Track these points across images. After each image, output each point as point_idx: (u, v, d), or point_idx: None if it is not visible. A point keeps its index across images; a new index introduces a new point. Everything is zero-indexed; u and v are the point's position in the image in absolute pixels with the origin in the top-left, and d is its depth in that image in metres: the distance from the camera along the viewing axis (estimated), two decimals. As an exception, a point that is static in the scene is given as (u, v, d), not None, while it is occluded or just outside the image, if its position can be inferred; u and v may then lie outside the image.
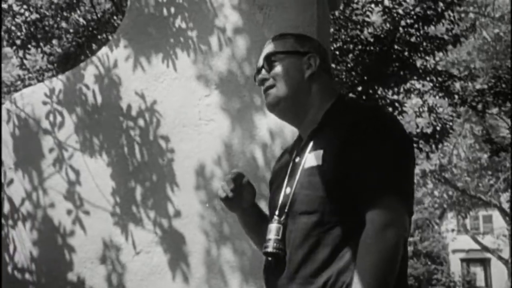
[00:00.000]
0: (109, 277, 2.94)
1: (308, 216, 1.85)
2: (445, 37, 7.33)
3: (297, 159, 1.98)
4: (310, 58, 2.02)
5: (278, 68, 2.03)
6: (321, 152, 1.89)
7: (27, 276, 3.07)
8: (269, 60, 2.05)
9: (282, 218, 1.92)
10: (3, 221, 3.17)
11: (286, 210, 1.93)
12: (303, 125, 2.04)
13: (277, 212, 1.94)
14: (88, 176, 3.06)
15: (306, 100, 2.01)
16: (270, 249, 1.88)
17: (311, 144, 1.95)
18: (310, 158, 1.91)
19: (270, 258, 1.92)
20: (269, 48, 2.09)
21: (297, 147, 2.04)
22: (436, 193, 21.97)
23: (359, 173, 1.80)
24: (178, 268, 2.82)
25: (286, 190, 1.95)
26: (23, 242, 3.11)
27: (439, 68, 8.21)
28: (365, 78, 6.61)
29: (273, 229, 1.92)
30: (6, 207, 3.18)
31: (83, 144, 3.09)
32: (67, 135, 3.14)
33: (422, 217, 33.54)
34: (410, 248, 33.06)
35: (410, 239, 33.54)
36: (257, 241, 2.15)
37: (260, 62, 2.06)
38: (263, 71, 2.05)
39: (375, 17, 7.73)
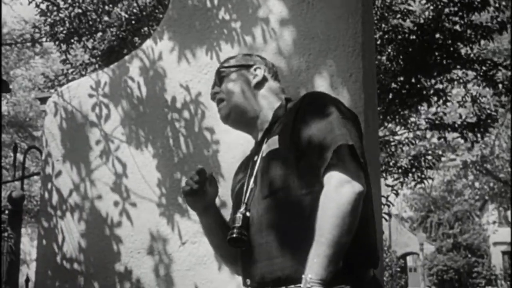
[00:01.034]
0: (156, 267, 2.97)
1: (274, 196, 1.93)
2: (490, 24, 7.15)
3: (255, 158, 2.08)
4: (256, 69, 2.18)
5: (227, 82, 2.18)
6: (276, 137, 1.99)
7: (75, 265, 3.13)
8: (220, 76, 2.20)
9: (244, 209, 2.00)
10: (52, 211, 3.24)
11: (246, 201, 2.01)
12: (255, 130, 2.16)
13: (242, 206, 2.03)
14: (134, 167, 3.09)
15: (255, 107, 2.14)
16: (234, 235, 1.96)
17: (265, 140, 2.06)
18: (267, 147, 2.02)
19: (243, 248, 2.00)
20: (220, 65, 2.25)
21: (254, 150, 2.15)
22: (476, 184, 21.61)
23: (311, 143, 1.89)
24: (224, 258, 2.84)
25: (251, 186, 2.04)
26: (71, 233, 3.17)
27: (483, 56, 8.04)
28: (408, 67, 6.52)
29: (236, 219, 2.00)
30: (55, 199, 3.25)
31: (129, 136, 3.13)
32: (113, 127, 3.18)
33: (462, 209, 33.05)
34: (450, 241, 32.60)
35: (450, 231, 33.10)
36: (216, 244, 2.22)
37: (214, 78, 2.23)
38: (215, 86, 2.21)
39: (417, 6, 7.60)
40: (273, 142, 2.02)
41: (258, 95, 2.16)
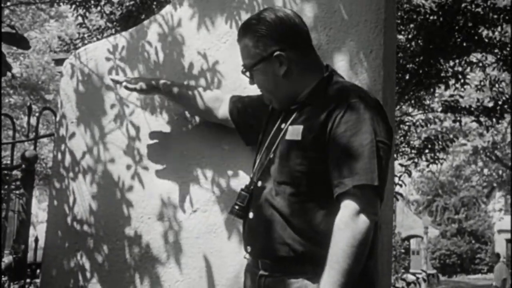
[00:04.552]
0: (166, 233, 2.99)
1: (285, 186, 2.04)
2: (514, 8, 7.05)
3: (282, 125, 2.15)
4: (277, 57, 2.15)
5: (256, 79, 2.23)
6: (301, 128, 2.05)
7: (85, 228, 3.15)
8: (246, 73, 2.26)
9: (251, 187, 2.20)
10: (64, 173, 3.25)
11: (259, 176, 2.18)
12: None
13: (256, 176, 2.21)
14: (148, 132, 3.09)
15: (291, 90, 2.17)
16: (237, 212, 2.24)
17: (294, 115, 2.13)
18: (291, 132, 2.09)
19: (246, 222, 2.24)
20: (240, 57, 2.30)
21: (282, 114, 2.23)
22: (485, 171, 21.56)
23: (336, 160, 1.96)
24: (234, 228, 2.84)
25: (270, 155, 2.15)
26: (82, 195, 3.18)
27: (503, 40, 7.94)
28: (427, 48, 6.45)
29: (241, 196, 2.21)
30: (67, 160, 3.25)
31: (144, 101, 3.12)
32: (129, 91, 3.16)
33: (469, 195, 33.02)
34: (454, 226, 32.60)
35: (455, 216, 33.11)
36: (190, 110, 2.83)
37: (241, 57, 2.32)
38: (247, 73, 2.27)
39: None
40: (297, 131, 2.06)
41: (290, 81, 2.17)
